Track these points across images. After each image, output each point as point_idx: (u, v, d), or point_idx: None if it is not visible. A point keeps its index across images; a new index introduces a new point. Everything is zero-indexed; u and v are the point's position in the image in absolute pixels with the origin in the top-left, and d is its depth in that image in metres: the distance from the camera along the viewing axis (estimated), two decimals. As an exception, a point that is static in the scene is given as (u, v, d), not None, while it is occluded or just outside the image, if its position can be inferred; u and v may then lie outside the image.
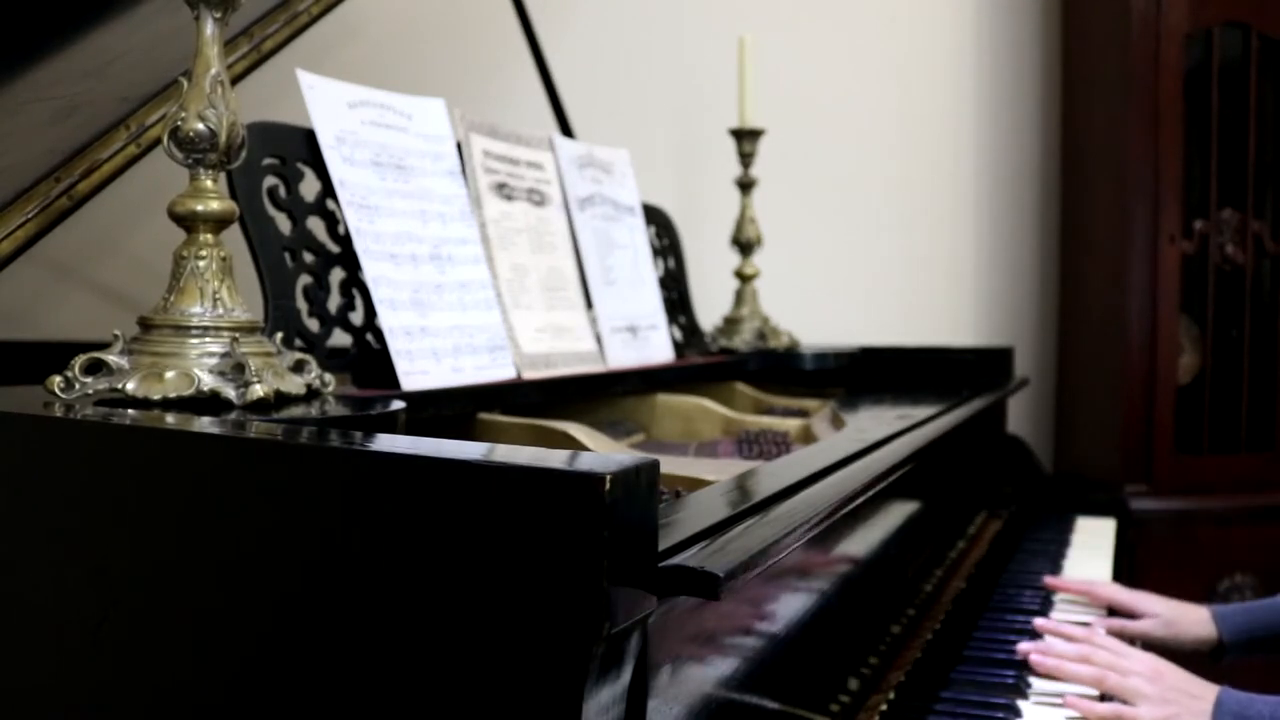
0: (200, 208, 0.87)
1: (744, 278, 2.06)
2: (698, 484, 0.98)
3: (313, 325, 1.10)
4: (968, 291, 2.87)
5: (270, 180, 1.10)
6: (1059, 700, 1.15)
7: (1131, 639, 1.42)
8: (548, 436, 1.22)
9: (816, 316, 2.46)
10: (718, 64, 2.33)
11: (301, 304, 1.10)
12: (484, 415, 1.26)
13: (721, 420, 1.56)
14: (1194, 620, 1.44)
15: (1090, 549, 1.84)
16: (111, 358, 0.84)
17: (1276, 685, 1.19)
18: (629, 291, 1.67)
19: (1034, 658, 1.21)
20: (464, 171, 1.35)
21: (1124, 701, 1.14)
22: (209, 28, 0.86)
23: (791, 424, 1.54)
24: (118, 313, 2.01)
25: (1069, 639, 1.26)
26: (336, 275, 1.16)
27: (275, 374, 0.85)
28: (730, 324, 2.02)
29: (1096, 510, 2.12)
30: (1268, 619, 1.40)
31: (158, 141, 0.90)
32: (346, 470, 0.63)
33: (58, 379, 0.83)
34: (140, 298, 1.90)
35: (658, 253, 1.86)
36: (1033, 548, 1.82)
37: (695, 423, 1.57)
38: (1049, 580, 1.58)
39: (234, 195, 1.03)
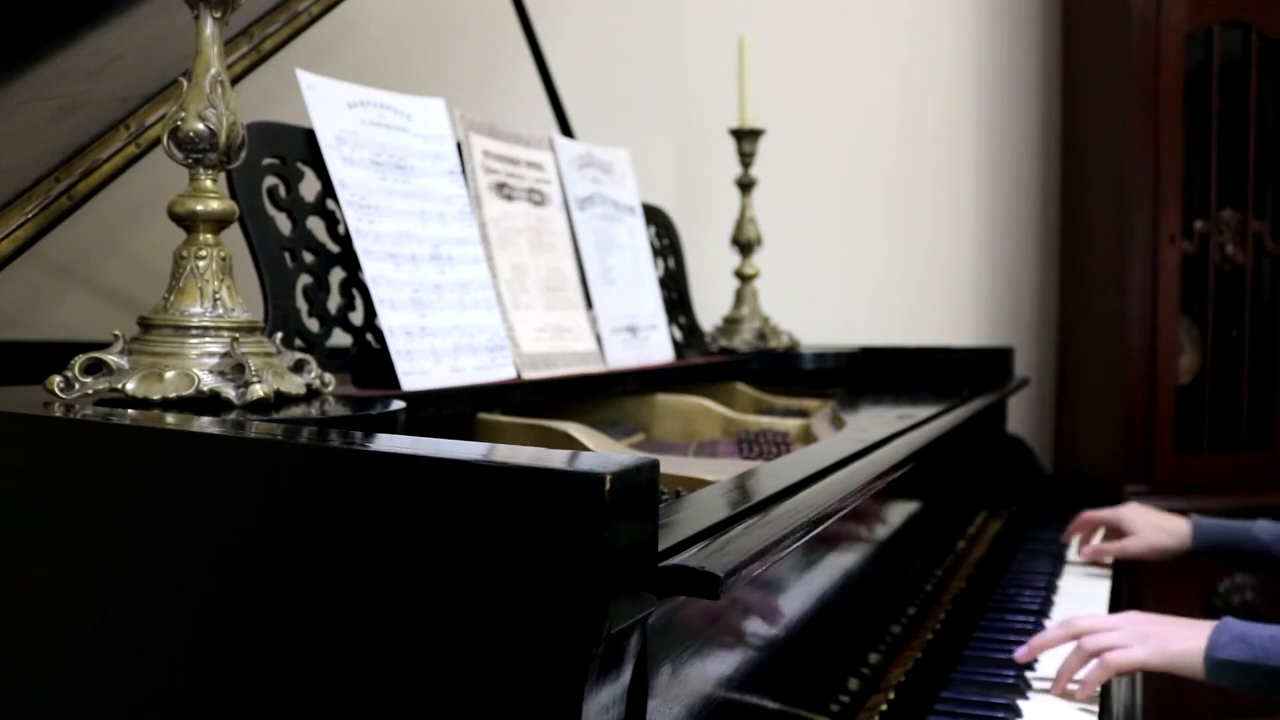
0: (200, 208, 0.87)
1: (744, 278, 2.06)
2: (698, 484, 0.98)
3: (313, 325, 1.10)
4: (968, 291, 2.87)
5: (270, 180, 1.10)
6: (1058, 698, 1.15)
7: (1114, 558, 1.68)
8: (548, 436, 1.22)
9: (817, 317, 2.46)
10: (718, 64, 2.33)
11: (301, 304, 1.10)
12: (484, 415, 1.26)
13: (721, 420, 1.56)
14: (1170, 535, 1.62)
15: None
16: (111, 358, 0.84)
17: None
18: (629, 291, 1.67)
19: (1067, 688, 1.17)
20: (464, 171, 1.35)
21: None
22: (209, 28, 0.86)
23: (791, 424, 1.54)
24: (118, 313, 2.01)
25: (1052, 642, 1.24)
26: (336, 275, 1.16)
27: (275, 374, 0.85)
28: (730, 324, 2.02)
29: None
30: (1236, 543, 1.57)
31: (158, 141, 0.90)
32: (346, 470, 0.63)
33: (58, 379, 0.83)
34: (140, 298, 1.90)
35: (658, 253, 1.86)
36: (1033, 548, 1.82)
37: (695, 423, 1.57)
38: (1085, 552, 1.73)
39: (234, 195, 1.03)
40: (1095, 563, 1.72)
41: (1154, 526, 1.63)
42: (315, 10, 1.46)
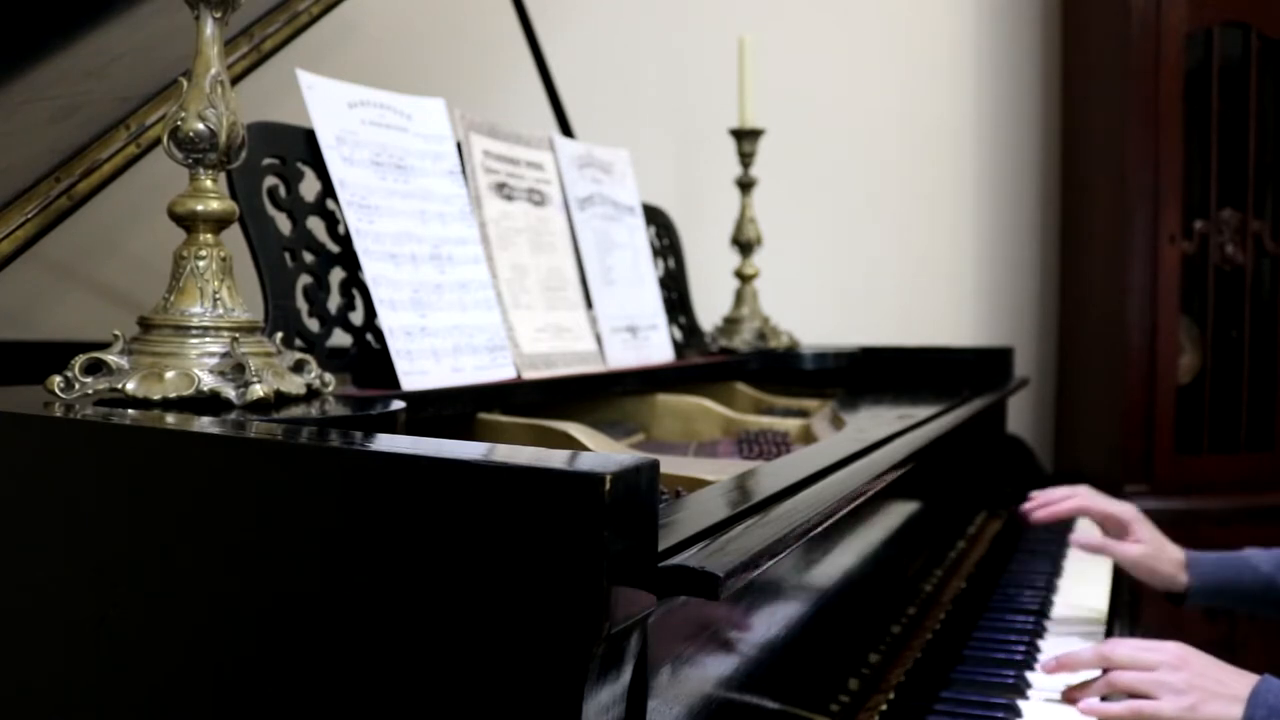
0: (200, 208, 0.87)
1: (744, 278, 2.06)
2: (698, 484, 0.98)
3: (313, 325, 1.10)
4: (968, 291, 2.87)
5: (270, 180, 1.10)
6: (1059, 699, 1.15)
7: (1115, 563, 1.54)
8: (548, 436, 1.22)
9: (817, 316, 2.46)
10: (717, 64, 2.33)
11: (301, 304, 1.10)
12: (484, 415, 1.26)
13: (721, 420, 1.56)
14: (1169, 560, 1.49)
15: (1090, 549, 1.84)
16: (111, 358, 0.84)
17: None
18: (629, 291, 1.67)
19: (1083, 704, 1.13)
20: (464, 171, 1.35)
21: (1146, 695, 1.10)
22: (209, 28, 0.86)
23: (791, 424, 1.54)
24: (118, 313, 2.01)
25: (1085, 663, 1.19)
26: (336, 275, 1.16)
27: (275, 374, 0.85)
28: (730, 324, 2.02)
29: (1097, 510, 2.12)
30: (1235, 576, 1.47)
31: (158, 141, 0.90)
32: (346, 470, 0.63)
33: (58, 379, 0.83)
34: (140, 298, 1.90)
35: (658, 253, 1.86)
36: (1033, 548, 1.82)
37: (695, 423, 1.57)
38: (1029, 509, 1.58)
39: (234, 195, 1.03)
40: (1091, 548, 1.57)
41: (1157, 543, 1.50)
42: (315, 10, 1.46)
